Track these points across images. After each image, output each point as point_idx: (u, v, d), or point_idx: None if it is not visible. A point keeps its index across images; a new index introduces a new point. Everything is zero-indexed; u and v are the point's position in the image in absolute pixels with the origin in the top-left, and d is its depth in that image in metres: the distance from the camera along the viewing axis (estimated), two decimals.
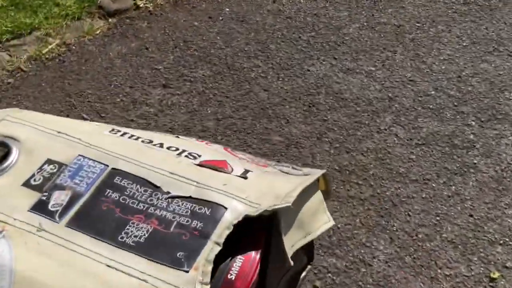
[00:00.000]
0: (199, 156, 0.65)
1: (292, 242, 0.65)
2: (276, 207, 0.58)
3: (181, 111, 1.93)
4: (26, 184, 0.58)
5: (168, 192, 0.58)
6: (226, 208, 0.56)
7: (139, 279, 0.50)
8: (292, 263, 0.61)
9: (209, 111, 1.93)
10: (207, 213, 0.56)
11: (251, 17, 2.39)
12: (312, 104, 1.98)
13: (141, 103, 1.96)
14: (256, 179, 0.63)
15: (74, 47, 2.23)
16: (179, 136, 0.72)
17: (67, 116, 1.91)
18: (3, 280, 0.51)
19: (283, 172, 0.73)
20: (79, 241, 0.53)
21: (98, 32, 2.31)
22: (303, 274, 0.99)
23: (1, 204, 0.56)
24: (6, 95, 2.00)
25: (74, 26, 2.33)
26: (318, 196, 0.78)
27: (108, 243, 0.53)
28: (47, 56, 2.17)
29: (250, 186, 0.61)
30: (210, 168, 0.62)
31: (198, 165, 0.62)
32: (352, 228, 1.56)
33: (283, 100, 1.99)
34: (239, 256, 0.56)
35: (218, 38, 2.28)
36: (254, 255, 0.57)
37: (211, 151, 0.69)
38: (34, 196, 0.57)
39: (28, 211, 0.55)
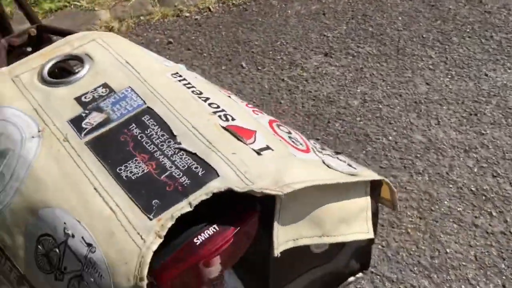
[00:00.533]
0: (233, 119, 0.64)
1: (295, 235, 0.62)
2: (266, 191, 0.55)
3: (331, 83, 1.90)
4: (78, 99, 0.66)
5: (180, 143, 0.59)
6: (218, 176, 0.56)
7: (111, 209, 0.54)
8: (276, 253, 0.58)
9: (359, 90, 1.86)
10: (199, 173, 0.56)
11: (444, 3, 2.17)
12: (474, 112, 1.75)
13: (297, 66, 1.98)
14: (271, 159, 0.60)
15: None
16: (231, 96, 0.72)
17: (229, 60, 2.03)
18: (22, 170, 0.60)
19: (324, 163, 0.68)
20: (87, 159, 0.59)
21: None
22: (351, 278, 0.93)
23: (53, 109, 0.65)
24: (189, 29, 2.21)
25: None
26: (361, 202, 0.71)
27: (106, 170, 0.57)
28: (234, 2, 2.32)
29: (257, 163, 0.58)
30: (231, 133, 0.61)
31: (223, 127, 0.62)
32: (462, 258, 1.39)
33: (442, 99, 1.80)
34: (214, 226, 0.55)
35: (400, 18, 2.14)
36: (231, 230, 0.55)
37: (250, 119, 0.67)
38: (77, 111, 0.64)
39: (66, 121, 0.63)
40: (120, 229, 0.52)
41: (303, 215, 0.62)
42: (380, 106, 1.80)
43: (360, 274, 0.94)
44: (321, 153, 0.72)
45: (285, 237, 0.60)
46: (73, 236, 0.53)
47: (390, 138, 1.70)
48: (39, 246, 0.55)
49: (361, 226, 0.71)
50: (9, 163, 0.60)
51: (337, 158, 0.73)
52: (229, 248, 0.56)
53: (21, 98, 0.66)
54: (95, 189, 0.55)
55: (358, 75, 1.91)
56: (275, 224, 0.58)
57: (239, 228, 0.56)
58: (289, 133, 0.70)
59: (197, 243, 0.54)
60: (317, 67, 1.97)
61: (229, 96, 0.71)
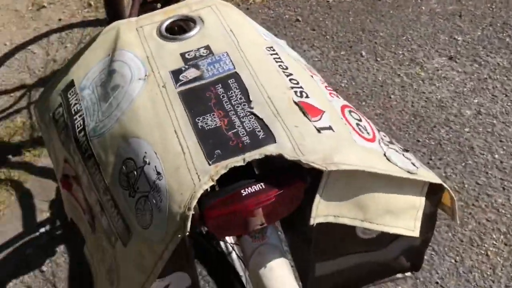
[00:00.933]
0: (307, 97, 0.70)
1: (336, 212, 0.66)
2: (311, 164, 0.60)
3: (448, 88, 1.83)
4: (182, 54, 0.76)
5: (252, 108, 0.67)
6: (275, 142, 0.63)
7: (182, 149, 0.64)
8: (312, 222, 0.64)
9: (476, 101, 1.78)
10: (260, 137, 0.63)
11: None
12: None
13: (417, 64, 1.94)
14: (328, 138, 0.65)
15: None
16: (314, 76, 0.78)
17: (350, 47, 2.05)
18: (125, 104, 0.72)
19: (384, 155, 0.71)
20: (175, 106, 0.69)
21: None
22: (399, 275, 0.95)
23: (160, 60, 0.76)
24: (319, 10, 2.26)
25: None
26: (413, 200, 0.73)
27: (188, 117, 0.67)
28: None
29: (314, 139, 0.64)
30: (300, 108, 0.67)
31: (295, 102, 0.68)
32: None
33: None
34: (262, 184, 0.62)
35: None
36: (275, 191, 0.62)
37: (324, 99, 0.72)
38: (179, 65, 0.74)
39: (168, 71, 0.74)
40: (184, 166, 0.61)
41: (348, 196, 0.67)
42: (495, 121, 1.71)
43: (408, 273, 0.96)
44: (387, 146, 0.75)
45: (325, 211, 0.66)
46: (149, 163, 0.64)
47: (496, 156, 1.61)
48: (123, 167, 0.67)
49: (407, 222, 0.74)
50: (117, 96, 0.73)
51: (403, 154, 0.76)
52: (271, 206, 0.63)
53: (139, 46, 0.78)
54: (174, 131, 0.65)
55: (479, 85, 1.83)
56: (317, 196, 0.64)
57: (282, 191, 0.63)
58: (359, 120, 0.74)
59: (243, 194, 0.62)
60: (437, 69, 1.91)
61: (312, 76, 0.77)
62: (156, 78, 0.73)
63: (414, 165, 0.75)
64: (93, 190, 0.73)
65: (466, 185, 1.56)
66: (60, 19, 2.48)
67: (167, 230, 0.61)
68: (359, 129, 0.72)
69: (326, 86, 0.77)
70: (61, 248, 1.60)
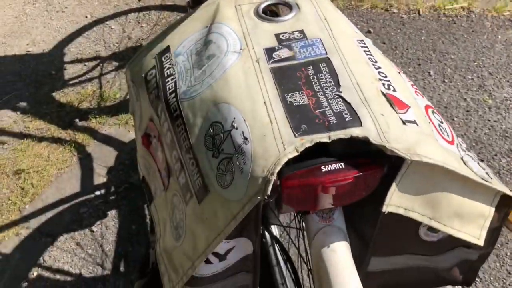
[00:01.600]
0: (394, 90, 0.72)
1: (408, 205, 0.67)
2: (395, 151, 0.62)
3: None
4: (277, 35, 0.79)
5: (341, 92, 0.70)
6: (361, 125, 0.65)
7: (270, 119, 0.66)
8: (384, 210, 0.65)
9: None
10: (347, 119, 0.66)
11: None
12: None
13: (485, 91, 1.91)
14: (412, 131, 0.66)
15: (473, 16, 2.26)
16: (401, 73, 0.79)
17: (419, 65, 2.04)
18: (218, 72, 0.76)
19: (462, 159, 0.71)
20: (266, 80, 0.72)
21: (506, 13, 2.25)
22: (449, 287, 0.95)
23: (256, 37, 0.80)
24: (391, 25, 2.26)
25: None
26: (483, 209, 0.73)
27: (277, 92, 0.70)
28: (446, 12, 2.29)
29: (399, 130, 0.65)
30: (387, 99, 0.69)
31: (382, 92, 0.70)
32: None
33: None
34: (342, 163, 0.65)
35: None
36: (353, 172, 0.64)
37: (409, 95, 0.73)
38: (273, 43, 0.77)
39: (262, 48, 0.77)
40: (271, 135, 0.65)
41: (422, 192, 0.68)
42: None
43: (459, 287, 0.96)
44: (465, 152, 0.75)
45: (398, 201, 0.67)
46: (236, 128, 0.68)
47: None
48: (210, 129, 0.71)
49: (474, 230, 0.74)
50: (211, 65, 0.77)
51: (478, 163, 0.76)
52: (346, 187, 0.66)
53: (236, 21, 0.83)
54: (264, 102, 0.69)
55: None
56: (393, 184, 0.65)
57: (361, 173, 0.65)
58: (441, 122, 0.76)
59: (322, 170, 0.64)
60: (506, 99, 1.88)
61: (399, 73, 0.79)
62: (250, 53, 0.77)
63: (488, 174, 0.75)
64: (175, 149, 0.77)
65: None
66: (139, 0, 2.59)
67: (247, 191, 0.64)
68: (441, 129, 0.73)
69: (412, 85, 0.79)
70: (112, 213, 1.67)
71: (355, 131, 0.64)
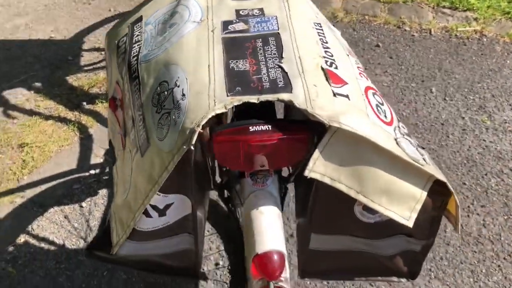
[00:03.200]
0: (335, 68, 0.75)
1: (334, 175, 0.69)
2: (316, 116, 0.65)
3: (510, 142, 1.78)
4: (237, 11, 0.83)
5: (281, 63, 0.74)
6: (291, 92, 0.68)
7: (209, 80, 0.71)
8: (307, 174, 0.68)
9: None
10: (279, 85, 0.69)
11: None
12: None
13: (485, 112, 1.91)
14: (341, 103, 0.68)
15: (485, 40, 2.26)
16: (349, 56, 0.83)
17: (422, 81, 2.05)
18: (175, 38, 0.81)
19: (395, 140, 0.73)
20: (216, 47, 0.76)
21: None
22: (394, 278, 0.96)
23: (218, 11, 0.84)
24: (401, 41, 2.28)
25: (503, 24, 2.32)
26: (414, 191, 0.73)
27: (223, 58, 0.74)
28: (457, 34, 2.30)
29: (327, 99, 0.67)
30: (324, 74, 0.72)
31: (322, 67, 0.74)
32: None
33: None
34: (269, 125, 0.68)
35: None
36: (279, 134, 0.67)
37: (351, 75, 0.76)
38: (231, 17, 0.82)
39: (221, 21, 0.82)
40: (205, 93, 0.69)
41: (348, 164, 0.71)
42: None
43: (404, 280, 0.96)
44: (402, 135, 0.77)
45: (323, 170, 0.70)
46: (178, 86, 0.72)
47: None
48: (158, 87, 0.76)
49: (403, 211, 0.75)
50: (171, 32, 0.83)
51: (417, 148, 0.78)
52: (273, 148, 0.69)
53: None
54: (208, 65, 0.73)
55: None
56: (316, 151, 0.68)
57: (285, 136, 0.68)
58: (381, 104, 0.78)
59: (250, 130, 0.68)
60: (505, 121, 1.86)
61: (348, 55, 0.82)
62: (208, 24, 0.82)
63: (424, 160, 0.77)
64: (130, 108, 0.83)
65: (502, 238, 1.51)
66: None
67: (176, 141, 0.68)
68: (378, 110, 0.76)
69: (358, 67, 0.82)
70: (103, 191, 1.73)
71: (283, 96, 0.67)
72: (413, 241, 0.88)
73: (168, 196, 0.78)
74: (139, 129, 0.78)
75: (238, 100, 0.67)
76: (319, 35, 0.82)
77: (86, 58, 2.33)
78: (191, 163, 0.72)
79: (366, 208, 0.80)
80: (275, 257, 0.72)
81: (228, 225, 1.61)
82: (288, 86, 0.69)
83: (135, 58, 0.84)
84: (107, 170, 1.81)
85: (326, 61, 0.76)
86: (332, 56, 0.78)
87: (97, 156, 1.86)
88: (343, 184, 0.72)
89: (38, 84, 2.19)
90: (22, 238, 1.61)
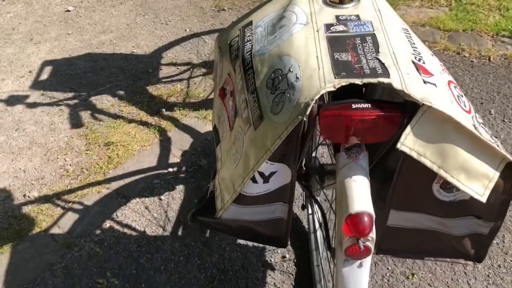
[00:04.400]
0: (423, 62, 0.88)
1: (420, 150, 0.81)
2: (411, 95, 0.78)
3: None
4: (337, 16, 0.98)
5: (378, 56, 0.88)
6: (388, 77, 0.82)
7: (318, 66, 0.86)
8: (399, 147, 0.81)
9: None
10: (378, 72, 0.82)
11: None
12: None
13: None
14: (430, 89, 0.79)
15: None
16: (433, 56, 0.96)
17: (481, 103, 2.15)
18: (285, 35, 0.97)
19: (473, 125, 0.85)
20: (322, 43, 0.91)
21: None
22: (461, 261, 1.05)
23: (320, 15, 0.98)
24: (460, 66, 2.39)
25: None
26: (488, 171, 0.82)
27: (328, 51, 0.88)
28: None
29: (419, 85, 0.78)
30: (415, 66, 0.86)
31: (412, 61, 0.87)
32: None
33: None
34: (369, 104, 0.82)
35: None
36: (377, 111, 0.81)
37: (436, 69, 0.88)
38: (332, 21, 0.97)
39: (323, 23, 0.97)
40: (316, 76, 0.84)
41: (434, 141, 0.83)
42: None
43: (470, 262, 1.06)
44: (479, 123, 0.90)
45: (411, 145, 0.83)
46: (292, 71, 0.88)
47: None
48: (272, 74, 0.92)
49: (478, 187, 0.87)
50: (281, 32, 0.99)
51: (491, 135, 0.90)
52: (369, 123, 0.83)
53: (307, 5, 1.04)
54: (316, 56, 0.89)
55: None
56: (408, 127, 0.81)
57: (383, 113, 0.82)
58: (461, 95, 0.91)
59: (353, 107, 0.83)
60: None
61: (432, 55, 0.96)
62: (312, 26, 0.98)
63: (498, 146, 0.89)
64: (243, 92, 0.99)
65: None
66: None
67: (291, 114, 0.83)
68: (459, 99, 0.89)
69: (441, 64, 0.95)
70: (180, 187, 1.90)
71: (382, 80, 0.82)
72: (482, 223, 0.98)
73: (274, 164, 0.92)
74: (253, 108, 0.94)
75: (345, 81, 0.82)
76: (407, 38, 0.97)
77: (165, 71, 2.55)
78: (299, 135, 0.86)
79: (444, 187, 0.92)
80: (366, 217, 0.85)
81: (296, 224, 1.75)
82: (386, 73, 0.84)
83: (249, 53, 1.01)
84: (183, 168, 1.99)
85: (415, 57, 0.90)
86: (419, 53, 0.92)
87: (175, 156, 2.04)
88: (428, 159, 0.85)
89: (121, 92, 2.42)
90: (107, 224, 1.79)
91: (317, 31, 0.96)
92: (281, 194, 0.98)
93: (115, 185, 1.94)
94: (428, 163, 0.85)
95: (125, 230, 1.77)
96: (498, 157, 0.87)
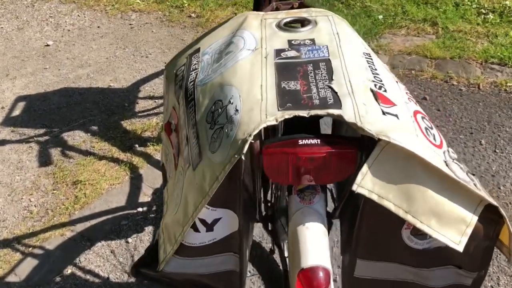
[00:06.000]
0: (384, 91, 0.77)
1: (382, 193, 0.69)
2: (366, 130, 0.66)
3: None
4: (289, 41, 0.88)
5: (331, 84, 0.77)
6: (340, 108, 0.71)
7: (261, 98, 0.74)
8: (355, 189, 0.68)
9: None
10: (328, 102, 0.71)
11: None
12: None
13: None
14: (391, 121, 0.68)
15: None
16: (398, 83, 0.85)
17: (471, 133, 2.03)
18: (230, 63, 0.86)
19: (444, 162, 0.73)
20: (269, 71, 0.79)
21: None
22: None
23: (271, 41, 0.87)
24: (448, 95, 2.28)
25: None
26: (464, 215, 0.71)
27: (275, 80, 0.77)
28: (506, 88, 2.28)
29: (376, 116, 0.67)
30: (373, 95, 0.74)
31: (371, 89, 0.76)
32: None
33: None
34: (318, 140, 0.70)
35: None
36: (328, 148, 0.69)
37: (399, 98, 0.77)
38: (284, 46, 0.87)
39: (273, 49, 0.87)
40: (258, 109, 0.72)
41: (397, 181, 0.71)
42: None
43: None
44: (452, 159, 0.77)
45: (371, 186, 0.70)
46: (232, 103, 0.76)
47: None
48: (212, 106, 0.81)
49: (453, 234, 0.74)
50: (226, 58, 0.88)
51: (467, 173, 0.77)
52: (320, 162, 0.71)
53: (258, 29, 0.94)
54: (261, 85, 0.77)
55: None
56: (365, 165, 0.69)
57: (333, 150, 0.70)
58: (430, 128, 0.79)
59: (299, 143, 0.71)
60: None
61: (397, 82, 0.84)
62: (261, 51, 0.87)
63: (475, 185, 0.76)
64: (185, 127, 0.87)
65: None
66: None
67: (228, 152, 0.71)
68: (427, 132, 0.77)
69: (407, 93, 0.84)
70: (149, 229, 1.77)
71: (332, 111, 0.70)
72: (464, 273, 0.85)
73: (216, 210, 0.80)
74: (192, 146, 0.82)
75: (289, 114, 0.70)
76: (368, 63, 0.85)
77: (141, 105, 2.45)
78: (240, 176, 0.74)
79: (414, 233, 0.79)
80: (320, 272, 0.72)
81: (270, 267, 1.60)
82: (337, 103, 0.72)
83: (192, 83, 0.90)
84: (154, 208, 1.86)
85: (375, 85, 0.79)
86: (381, 80, 0.81)
87: (146, 195, 1.91)
88: (391, 202, 0.72)
89: (94, 128, 2.31)
90: (69, 270, 1.65)
91: (265, 57, 0.85)
92: (228, 244, 0.85)
93: (80, 227, 1.81)
94: (392, 207, 0.72)
95: (88, 276, 1.63)
96: (475, 198, 0.74)
